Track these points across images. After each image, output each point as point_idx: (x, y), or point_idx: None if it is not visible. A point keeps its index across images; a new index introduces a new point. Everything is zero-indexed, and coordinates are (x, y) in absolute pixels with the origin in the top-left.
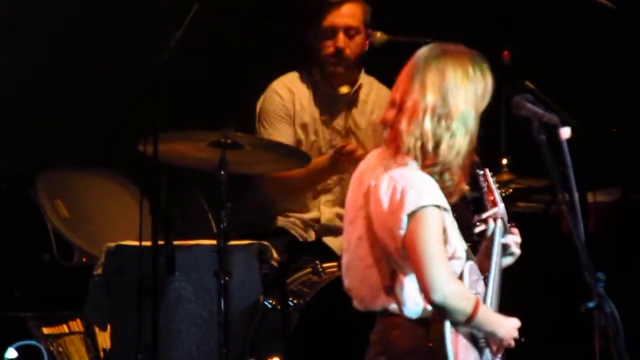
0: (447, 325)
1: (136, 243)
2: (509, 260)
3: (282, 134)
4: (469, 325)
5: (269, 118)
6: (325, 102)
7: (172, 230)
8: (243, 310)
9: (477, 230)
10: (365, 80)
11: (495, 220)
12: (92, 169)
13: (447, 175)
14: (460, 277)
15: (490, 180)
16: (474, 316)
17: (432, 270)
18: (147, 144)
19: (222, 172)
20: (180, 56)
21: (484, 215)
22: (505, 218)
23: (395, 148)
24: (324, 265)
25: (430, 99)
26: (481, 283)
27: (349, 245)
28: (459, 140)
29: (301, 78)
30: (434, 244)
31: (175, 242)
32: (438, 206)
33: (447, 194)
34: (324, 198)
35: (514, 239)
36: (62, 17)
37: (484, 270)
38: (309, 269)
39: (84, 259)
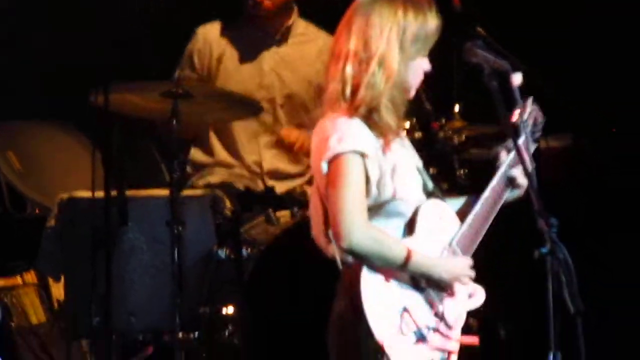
0: (364, 269)
1: (89, 194)
2: (516, 194)
3: (180, 72)
4: (399, 270)
5: (182, 59)
6: (250, 44)
7: (125, 181)
8: (197, 261)
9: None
10: (300, 24)
11: (508, 151)
12: (44, 121)
13: (375, 116)
14: (414, 218)
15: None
16: (404, 262)
17: (340, 216)
18: (98, 95)
19: (174, 122)
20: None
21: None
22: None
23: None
24: (278, 214)
25: (353, 44)
26: (447, 222)
27: (310, 196)
28: (377, 80)
29: (223, 25)
30: (345, 190)
31: (128, 193)
32: (358, 152)
33: (383, 133)
34: (262, 140)
35: (520, 170)
36: None
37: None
38: (262, 218)
39: (36, 211)
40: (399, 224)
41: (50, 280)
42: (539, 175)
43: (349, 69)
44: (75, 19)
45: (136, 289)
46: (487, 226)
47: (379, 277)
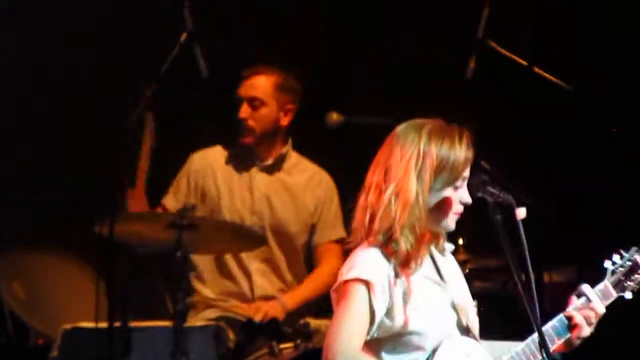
0: None
1: (92, 324)
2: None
3: (172, 194)
4: None
5: (173, 185)
6: (243, 170)
7: (128, 311)
8: None
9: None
10: (293, 155)
11: (578, 296)
12: (49, 251)
13: (394, 245)
14: (434, 353)
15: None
16: None
17: (331, 343)
18: (103, 225)
19: (179, 253)
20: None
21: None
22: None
23: None
24: (281, 345)
25: (377, 174)
26: None
27: None
28: (392, 209)
29: (223, 149)
30: (342, 318)
31: (131, 323)
32: (362, 280)
33: (402, 262)
34: (253, 266)
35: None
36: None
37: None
38: (266, 350)
39: (40, 340)
40: (417, 357)
41: None
42: (542, 308)
43: (370, 199)
44: (82, 151)
45: None
46: None
47: None
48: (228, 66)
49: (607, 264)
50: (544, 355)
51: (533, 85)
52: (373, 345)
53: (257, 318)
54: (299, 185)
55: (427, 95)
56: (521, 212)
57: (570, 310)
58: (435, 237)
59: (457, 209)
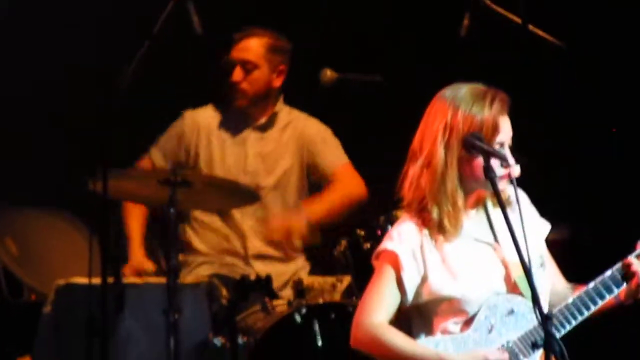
0: None
1: (85, 281)
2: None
3: (158, 148)
4: None
5: (162, 138)
6: (236, 130)
7: (122, 268)
8: (192, 349)
9: None
10: (285, 110)
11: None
12: (42, 208)
13: (426, 214)
14: (476, 313)
15: None
16: None
17: (356, 316)
18: (96, 181)
19: (172, 210)
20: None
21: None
22: None
23: None
24: (274, 302)
25: (415, 144)
26: (520, 320)
27: None
28: (422, 181)
29: (216, 108)
30: (370, 289)
31: (125, 280)
32: (393, 250)
33: (440, 229)
34: (246, 224)
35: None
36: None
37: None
38: (259, 307)
39: (33, 296)
40: (458, 319)
41: None
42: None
43: (409, 169)
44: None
45: None
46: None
47: None
48: (221, 25)
49: None
50: (539, 316)
51: (527, 44)
52: (416, 309)
53: (276, 236)
54: (293, 137)
55: (420, 54)
56: (515, 170)
57: (630, 257)
58: (488, 194)
59: (499, 173)
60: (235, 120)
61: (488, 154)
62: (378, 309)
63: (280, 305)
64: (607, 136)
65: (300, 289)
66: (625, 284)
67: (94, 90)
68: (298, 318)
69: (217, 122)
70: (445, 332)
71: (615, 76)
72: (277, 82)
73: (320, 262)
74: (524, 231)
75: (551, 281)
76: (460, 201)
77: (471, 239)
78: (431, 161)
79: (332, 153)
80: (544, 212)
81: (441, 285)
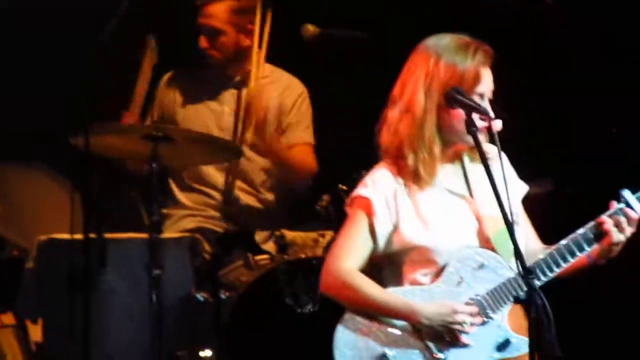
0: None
1: (67, 236)
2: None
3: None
4: (387, 317)
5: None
6: (211, 87)
7: (104, 223)
8: (175, 303)
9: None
10: (265, 67)
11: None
12: (24, 163)
13: (402, 162)
14: (445, 265)
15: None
16: (385, 309)
17: (327, 260)
18: (78, 136)
19: (154, 165)
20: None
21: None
22: None
23: None
24: (257, 257)
25: (395, 90)
26: (489, 273)
27: None
28: (401, 127)
29: (189, 69)
30: (339, 238)
31: (107, 235)
32: (365, 197)
33: (415, 177)
34: (227, 180)
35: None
36: None
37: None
38: (241, 262)
39: (15, 252)
40: (431, 271)
41: (29, 322)
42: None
43: (388, 115)
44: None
45: (114, 331)
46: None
47: (358, 327)
48: None
49: None
50: (522, 269)
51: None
52: (386, 258)
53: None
54: (272, 91)
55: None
56: (497, 124)
57: (603, 216)
58: (466, 148)
59: (479, 124)
60: (212, 79)
61: (470, 109)
62: (349, 255)
63: (262, 260)
64: (590, 92)
65: (282, 244)
66: (597, 243)
67: (76, 42)
68: (280, 273)
69: (194, 81)
70: (414, 283)
71: (600, 33)
72: (247, 41)
73: (303, 217)
74: (506, 185)
75: (524, 241)
76: (437, 150)
77: (446, 191)
78: (411, 106)
79: (301, 127)
80: (527, 166)
81: (413, 233)
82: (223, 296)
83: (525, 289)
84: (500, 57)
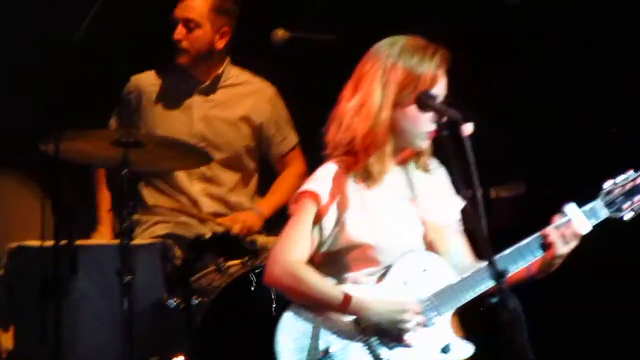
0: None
1: (38, 243)
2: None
3: (114, 113)
4: (334, 312)
5: (117, 107)
6: (181, 92)
7: (75, 229)
8: (147, 309)
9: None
10: (233, 71)
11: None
12: None
13: (353, 159)
14: (390, 266)
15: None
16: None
17: (272, 252)
18: (48, 142)
19: (125, 171)
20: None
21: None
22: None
23: None
24: (228, 263)
25: (348, 87)
26: (433, 276)
27: None
28: (354, 123)
29: (156, 73)
30: (288, 228)
31: (78, 242)
32: (312, 192)
33: (364, 174)
34: (196, 187)
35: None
36: None
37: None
38: (213, 267)
39: None
40: (373, 271)
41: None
42: (490, 224)
43: (338, 112)
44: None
45: (86, 338)
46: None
47: (302, 319)
48: None
49: (607, 183)
50: (494, 273)
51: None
52: (329, 257)
53: (236, 229)
54: (240, 95)
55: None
56: (468, 128)
57: (548, 228)
58: (413, 155)
59: (427, 127)
60: (180, 82)
61: (441, 112)
62: (295, 247)
63: (234, 266)
64: (561, 92)
65: (254, 250)
66: (540, 254)
67: (47, 45)
68: (252, 278)
69: (162, 85)
70: (356, 283)
71: (568, 31)
72: (220, 44)
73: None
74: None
75: (461, 257)
76: (388, 148)
77: (393, 192)
78: (366, 101)
79: (286, 133)
80: (500, 169)
81: (357, 230)
82: (195, 302)
83: (467, 296)
84: (474, 59)
